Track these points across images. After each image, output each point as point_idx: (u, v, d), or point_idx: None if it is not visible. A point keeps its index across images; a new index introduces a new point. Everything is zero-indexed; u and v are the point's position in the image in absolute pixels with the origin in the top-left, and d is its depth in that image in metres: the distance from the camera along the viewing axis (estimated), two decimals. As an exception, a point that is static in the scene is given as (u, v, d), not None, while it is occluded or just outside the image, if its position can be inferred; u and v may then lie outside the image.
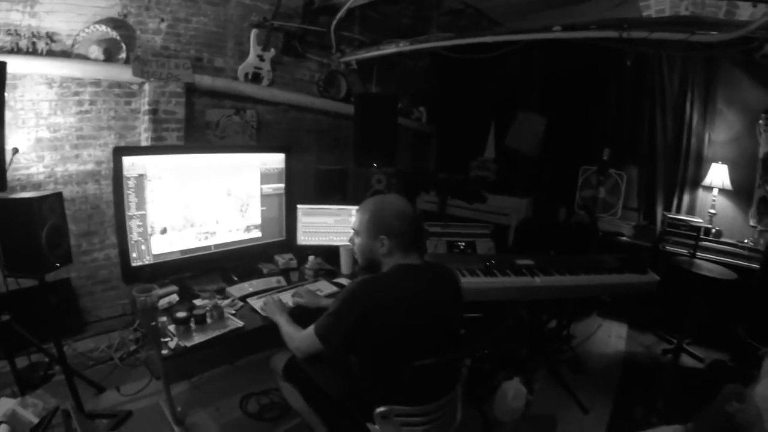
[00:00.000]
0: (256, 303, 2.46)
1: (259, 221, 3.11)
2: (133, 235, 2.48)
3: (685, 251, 4.14)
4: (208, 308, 2.24)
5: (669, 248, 4.35)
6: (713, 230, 4.37)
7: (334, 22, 4.37)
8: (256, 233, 3.11)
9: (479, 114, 5.78)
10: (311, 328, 1.84)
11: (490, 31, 4.25)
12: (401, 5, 4.75)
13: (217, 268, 2.87)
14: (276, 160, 3.16)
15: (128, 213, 2.44)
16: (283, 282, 2.81)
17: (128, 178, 2.43)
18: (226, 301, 2.43)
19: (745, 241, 4.28)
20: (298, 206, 3.22)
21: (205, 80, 3.69)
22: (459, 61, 4.53)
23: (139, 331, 3.24)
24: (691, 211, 4.70)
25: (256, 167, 3.05)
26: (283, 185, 3.21)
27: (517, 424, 2.86)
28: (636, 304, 4.34)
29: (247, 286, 2.66)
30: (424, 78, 5.87)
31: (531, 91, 5.44)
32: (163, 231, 2.60)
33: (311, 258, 3.01)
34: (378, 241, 1.83)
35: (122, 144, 3.40)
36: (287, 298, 2.51)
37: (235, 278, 2.76)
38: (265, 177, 3.11)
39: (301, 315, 2.31)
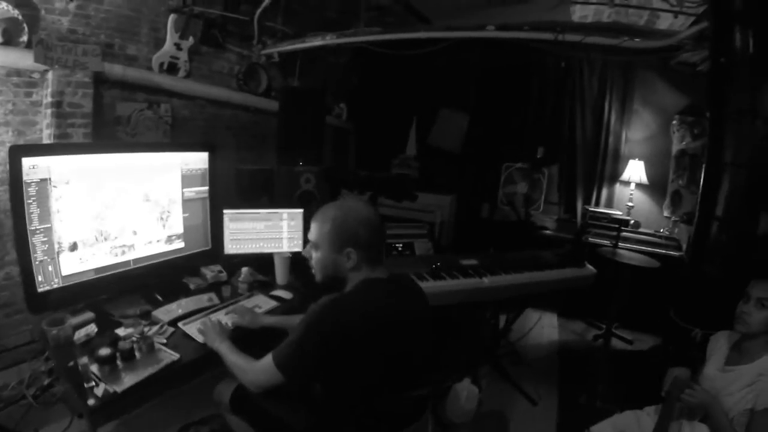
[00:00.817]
0: (189, 328, 2.08)
1: (181, 230, 2.68)
2: (38, 254, 2.00)
3: (607, 242, 4.21)
4: (134, 339, 1.85)
5: (591, 239, 4.40)
6: (631, 221, 4.49)
7: (259, 11, 3.99)
8: (179, 244, 2.69)
9: (401, 111, 5.61)
10: (269, 359, 1.53)
11: (423, 27, 4.10)
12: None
13: (138, 286, 2.42)
14: (199, 160, 2.75)
15: (30, 227, 1.96)
16: (215, 299, 2.43)
17: (29, 184, 1.95)
18: (154, 328, 2.03)
19: (661, 230, 4.57)
20: (225, 211, 2.85)
21: (115, 69, 3.17)
22: (382, 57, 4.42)
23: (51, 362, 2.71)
24: (609, 204, 4.89)
25: (176, 168, 2.63)
26: (207, 188, 2.81)
27: (472, 424, 2.71)
28: (564, 294, 4.32)
29: (176, 308, 2.24)
30: (344, 74, 5.57)
31: (453, 88, 5.34)
32: (73, 247, 2.13)
33: (244, 270, 2.64)
34: (343, 255, 1.57)
35: (21, 142, 2.82)
36: (223, 318, 2.17)
37: (160, 298, 2.35)
38: (187, 179, 2.69)
39: (242, 338, 2.01)
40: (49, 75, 2.85)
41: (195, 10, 3.62)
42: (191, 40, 3.66)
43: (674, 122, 4.49)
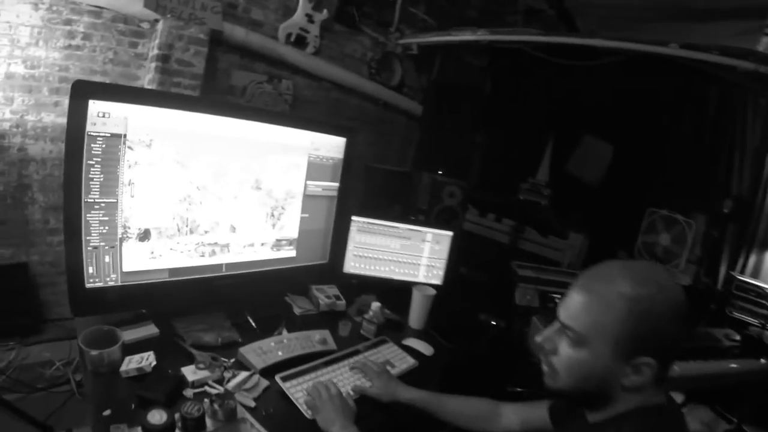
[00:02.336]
0: (293, 388, 1.28)
1: (296, 234, 1.93)
2: (92, 238, 1.31)
3: (755, 321, 3.10)
4: (209, 397, 1.10)
5: (735, 314, 3.28)
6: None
7: (404, -7, 3.28)
8: (290, 251, 1.92)
9: (535, 129, 4.56)
10: None
11: (597, 35, 3.24)
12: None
13: (225, 301, 1.68)
14: (332, 146, 1.99)
15: (86, 198, 1.27)
16: (330, 341, 1.59)
17: (94, 138, 1.26)
18: (239, 377, 1.26)
19: None
20: (353, 218, 2.08)
21: (237, 32, 2.54)
22: (520, 67, 3.79)
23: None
24: (755, 274, 3.68)
25: (303, 152, 1.88)
26: (337, 185, 2.05)
27: None
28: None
29: (274, 347, 1.44)
30: (480, 78, 4.75)
31: (599, 113, 4.33)
32: (144, 236, 1.43)
33: (374, 306, 1.79)
34: (630, 367, 0.82)
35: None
36: (345, 379, 1.38)
37: (253, 324, 1.60)
38: (314, 169, 1.93)
39: (368, 415, 1.24)
40: (159, 25, 2.27)
41: (333, -19, 2.95)
42: (325, 13, 2.99)
43: None
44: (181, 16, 2.28)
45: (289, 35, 2.88)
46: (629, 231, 4.03)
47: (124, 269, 1.39)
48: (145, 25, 2.29)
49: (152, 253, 1.46)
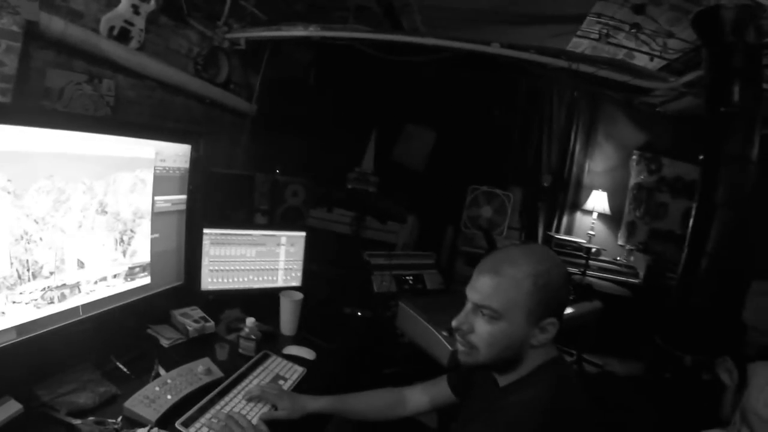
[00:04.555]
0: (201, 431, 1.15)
1: (148, 258, 1.68)
2: None
3: (576, 270, 3.78)
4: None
5: None
6: (594, 249, 4.08)
7: (236, -15, 3.01)
8: (144, 279, 1.67)
9: (359, 120, 4.60)
10: None
11: (428, 34, 3.37)
12: (303, -15, 3.55)
13: (87, 350, 1.39)
14: (178, 155, 1.77)
15: None
16: (214, 368, 1.43)
17: None
18: (136, 436, 1.08)
19: (618, 258, 4.34)
20: (205, 231, 1.89)
21: (54, 24, 2.04)
22: (342, 61, 3.90)
23: None
24: (569, 231, 4.51)
25: (149, 165, 1.63)
26: (185, 197, 1.84)
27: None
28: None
29: (159, 390, 1.22)
30: (304, 73, 4.63)
31: (419, 103, 4.56)
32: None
33: (249, 322, 1.64)
34: (538, 328, 0.96)
35: None
36: (245, 408, 1.27)
37: (126, 370, 1.36)
38: (161, 183, 1.69)
39: None
40: None
41: (162, -32, 2.59)
42: (152, 3, 2.59)
43: (633, 157, 4.41)
44: (-12, 4, 1.79)
45: (112, 28, 2.43)
46: (455, 208, 4.43)
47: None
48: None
49: (-8, 310, 1.15)
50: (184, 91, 3.16)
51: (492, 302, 0.95)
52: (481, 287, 0.97)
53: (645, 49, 3.48)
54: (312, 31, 3.25)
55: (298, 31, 3.29)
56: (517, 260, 0.96)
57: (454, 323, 1.01)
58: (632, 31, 3.30)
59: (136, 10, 2.51)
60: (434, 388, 1.36)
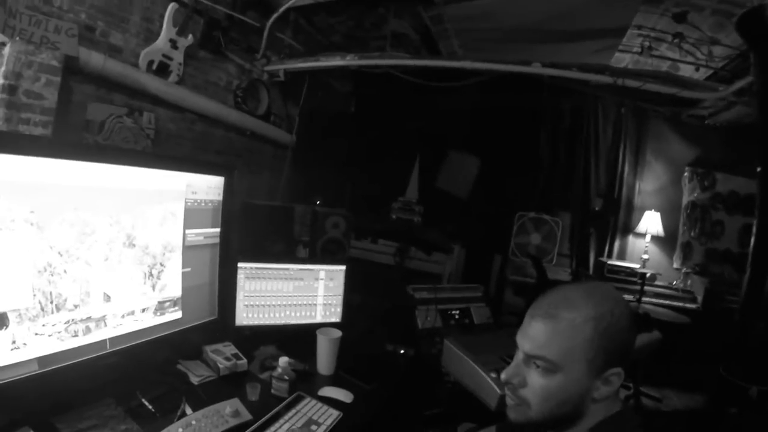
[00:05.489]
0: None
1: (179, 292, 1.58)
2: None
3: (631, 297, 3.48)
4: None
5: None
6: (648, 274, 3.76)
7: (273, 18, 2.99)
8: (175, 313, 1.57)
9: (402, 149, 4.45)
10: None
11: (465, 57, 3.24)
12: (340, 17, 3.50)
13: (110, 384, 1.30)
14: (210, 188, 1.68)
15: None
16: (243, 410, 1.29)
17: None
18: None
19: (674, 282, 3.97)
20: (240, 265, 1.79)
21: (94, 59, 2.05)
22: (382, 91, 3.77)
23: None
24: (622, 256, 4.19)
25: (179, 197, 1.55)
26: (218, 230, 1.74)
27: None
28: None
29: None
30: (344, 103, 4.58)
31: (461, 129, 4.39)
32: (0, 322, 1.04)
33: (282, 362, 1.51)
34: (600, 380, 0.80)
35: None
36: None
37: (151, 408, 1.24)
38: (192, 216, 1.61)
39: None
40: (6, 50, 1.76)
41: (199, 4, 2.57)
42: (190, 39, 2.60)
43: (685, 174, 4.08)
44: (31, 39, 1.79)
45: (150, 62, 2.44)
46: (502, 235, 4.21)
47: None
48: (-12, 48, 1.76)
49: (14, 342, 1.07)
50: (224, 123, 3.14)
51: (547, 352, 0.80)
52: (534, 335, 0.83)
53: (689, 59, 3.28)
54: (350, 60, 3.18)
55: (336, 61, 3.23)
56: (575, 302, 0.81)
57: (503, 376, 0.86)
58: (675, 41, 3.11)
59: (174, 44, 2.51)
60: None
